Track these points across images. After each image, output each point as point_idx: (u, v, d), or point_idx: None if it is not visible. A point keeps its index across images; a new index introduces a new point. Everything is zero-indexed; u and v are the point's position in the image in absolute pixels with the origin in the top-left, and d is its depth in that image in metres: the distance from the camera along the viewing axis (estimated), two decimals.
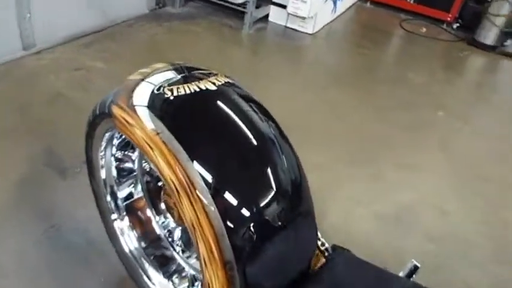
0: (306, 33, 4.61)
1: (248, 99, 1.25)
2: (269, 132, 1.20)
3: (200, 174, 1.03)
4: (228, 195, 1.05)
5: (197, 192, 1.02)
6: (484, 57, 4.93)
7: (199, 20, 4.50)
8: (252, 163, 1.15)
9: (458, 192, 2.77)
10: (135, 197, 1.62)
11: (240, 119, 1.16)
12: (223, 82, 1.22)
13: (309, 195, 1.27)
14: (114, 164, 1.51)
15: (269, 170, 1.14)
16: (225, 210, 1.04)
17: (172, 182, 1.03)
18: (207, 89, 1.16)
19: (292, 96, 3.45)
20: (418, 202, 2.63)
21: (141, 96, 1.17)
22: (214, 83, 1.19)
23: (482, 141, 3.33)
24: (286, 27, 4.67)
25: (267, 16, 4.72)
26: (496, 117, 3.75)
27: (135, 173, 1.58)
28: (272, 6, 4.67)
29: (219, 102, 1.18)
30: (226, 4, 4.48)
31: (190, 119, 1.14)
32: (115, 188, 1.56)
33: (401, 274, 1.54)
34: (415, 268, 1.60)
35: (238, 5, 4.39)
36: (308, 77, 3.93)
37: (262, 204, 1.09)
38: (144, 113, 1.12)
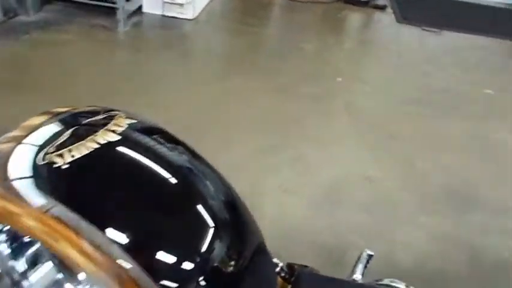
0: (186, 19, 4.32)
1: (158, 137, 1.01)
2: (190, 168, 1.00)
3: (115, 241, 0.79)
4: (160, 254, 0.83)
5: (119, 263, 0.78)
6: (360, 13, 5.09)
7: (66, 25, 3.96)
8: (176, 208, 0.94)
9: (375, 154, 2.81)
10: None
11: (152, 165, 0.94)
12: (125, 126, 0.96)
13: (253, 222, 1.09)
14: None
15: (199, 208, 0.93)
16: (164, 271, 0.82)
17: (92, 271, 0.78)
18: (107, 142, 0.90)
19: (190, 94, 3.21)
20: (342, 175, 2.61)
21: (20, 169, 0.87)
22: (114, 131, 0.93)
23: (384, 99, 3.42)
24: (163, 16, 4.34)
25: (140, 8, 4.34)
26: (389, 72, 3.89)
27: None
28: None
29: (124, 155, 0.93)
30: (92, 2, 4.01)
31: (91, 185, 0.88)
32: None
33: (359, 267, 1.48)
34: (370, 256, 1.55)
35: (105, 0, 3.95)
36: (201, 68, 3.70)
37: (204, 249, 0.88)
38: (26, 192, 0.84)
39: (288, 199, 2.41)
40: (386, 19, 5.00)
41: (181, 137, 1.04)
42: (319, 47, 4.16)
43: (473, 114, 3.29)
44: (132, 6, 4.18)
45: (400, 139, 2.96)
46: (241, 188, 1.07)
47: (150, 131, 1.02)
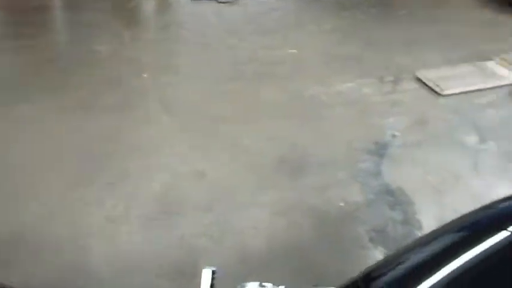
0: None
1: None
2: None
3: None
4: None
5: None
6: None
7: None
8: None
9: (201, 145, 2.68)
10: None
11: None
12: None
13: None
14: None
15: None
16: None
17: None
18: None
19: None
20: (172, 179, 2.42)
21: None
22: None
23: (198, 84, 3.27)
24: None
25: None
26: (196, 53, 3.73)
27: None
28: None
29: None
30: None
31: None
32: None
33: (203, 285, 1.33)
34: (213, 272, 1.42)
35: None
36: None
37: None
38: None
39: (117, 228, 2.13)
40: None
41: None
42: (116, 45, 3.81)
43: (285, 76, 3.37)
44: None
45: (222, 121, 2.87)
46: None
47: None
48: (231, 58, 3.61)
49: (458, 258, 0.78)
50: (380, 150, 2.67)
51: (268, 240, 2.12)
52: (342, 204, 2.33)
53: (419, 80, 3.35)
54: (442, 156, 2.66)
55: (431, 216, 2.20)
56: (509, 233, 0.80)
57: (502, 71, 3.46)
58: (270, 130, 2.81)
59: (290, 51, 3.74)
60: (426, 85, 3.28)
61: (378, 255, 2.02)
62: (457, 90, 3.22)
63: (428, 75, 3.36)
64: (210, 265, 1.79)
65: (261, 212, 2.27)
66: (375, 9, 4.59)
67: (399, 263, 0.87)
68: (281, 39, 3.92)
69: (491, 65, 3.54)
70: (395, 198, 2.36)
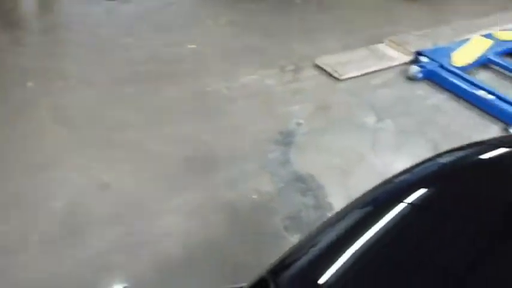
0: None
1: None
2: None
3: None
4: None
5: None
6: None
7: None
8: None
9: (104, 155, 2.52)
10: None
11: None
12: None
13: None
14: None
15: None
16: None
17: None
18: None
19: None
20: (72, 196, 2.24)
21: None
22: None
23: (93, 91, 3.05)
24: None
25: None
26: (89, 56, 3.48)
27: None
28: None
29: None
30: None
31: None
32: None
33: None
34: None
35: None
36: None
37: None
38: None
39: (10, 260, 1.91)
40: None
41: None
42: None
43: (186, 74, 3.27)
44: None
45: (124, 127, 2.72)
46: None
47: None
48: (127, 59, 3.42)
49: (363, 235, 0.79)
50: (286, 139, 2.71)
51: (185, 245, 2.05)
52: (254, 196, 2.32)
53: (318, 67, 3.45)
54: (345, 139, 2.76)
55: (340, 198, 2.28)
56: (405, 205, 0.83)
57: (392, 52, 3.70)
58: (175, 131, 2.72)
59: (189, 46, 3.65)
60: (325, 71, 3.40)
61: (294, 242, 2.04)
62: (353, 74, 3.38)
63: (326, 61, 3.48)
64: (124, 281, 1.70)
65: (174, 216, 2.19)
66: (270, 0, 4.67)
67: (304, 252, 0.86)
68: (179, 35, 3.81)
69: (382, 47, 3.76)
70: (305, 184, 2.41)
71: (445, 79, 3.32)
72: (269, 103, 3.04)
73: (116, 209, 2.18)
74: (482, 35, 3.91)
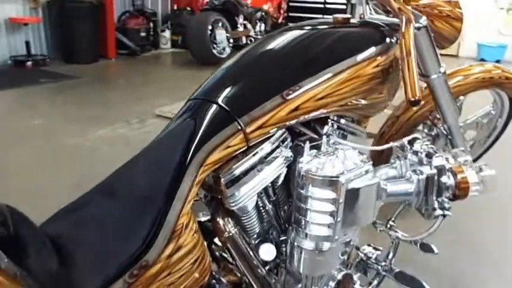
0: None
1: None
2: None
3: None
4: None
5: None
6: None
7: None
8: None
9: None
10: None
11: None
12: None
13: None
14: None
15: None
16: None
17: None
18: None
19: None
20: None
21: None
22: None
23: None
24: None
25: None
26: None
27: None
28: None
29: None
30: None
31: None
32: None
33: None
34: None
35: None
36: None
37: None
38: None
39: None
40: None
41: None
42: None
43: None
44: None
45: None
46: None
47: None
48: None
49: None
50: None
51: None
52: None
53: (159, 115, 4.00)
54: None
55: None
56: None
57: None
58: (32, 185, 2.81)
59: (35, 122, 3.76)
60: (166, 117, 3.95)
61: None
62: None
63: (164, 110, 4.06)
64: None
65: None
66: (97, 84, 5.15)
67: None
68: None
69: None
70: None
71: None
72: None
73: None
74: None
